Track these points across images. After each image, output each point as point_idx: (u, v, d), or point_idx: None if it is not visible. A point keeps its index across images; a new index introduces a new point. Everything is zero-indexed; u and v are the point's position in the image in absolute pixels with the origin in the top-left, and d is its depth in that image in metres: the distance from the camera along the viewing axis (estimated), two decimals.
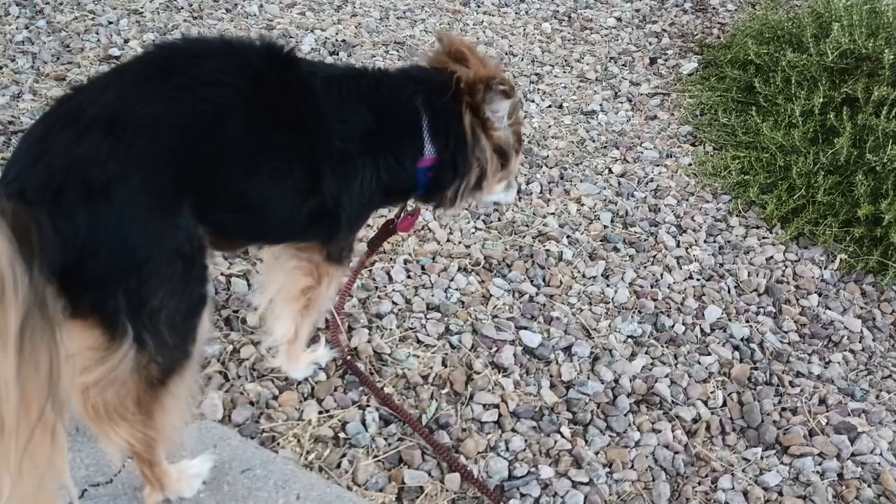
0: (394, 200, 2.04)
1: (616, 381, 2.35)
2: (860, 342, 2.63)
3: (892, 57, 3.21)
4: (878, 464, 2.19)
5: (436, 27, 4.22)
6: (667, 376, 2.38)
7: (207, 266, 1.56)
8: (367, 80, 1.81)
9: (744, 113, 3.62)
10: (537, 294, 2.62)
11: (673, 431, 2.21)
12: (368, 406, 2.13)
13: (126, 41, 3.60)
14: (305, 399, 2.12)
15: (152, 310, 1.40)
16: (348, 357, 2.24)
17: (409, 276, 2.60)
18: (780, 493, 2.08)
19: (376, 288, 2.53)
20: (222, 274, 2.46)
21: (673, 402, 2.31)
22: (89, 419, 1.48)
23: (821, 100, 3.29)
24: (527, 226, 2.93)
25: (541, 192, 3.12)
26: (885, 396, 2.43)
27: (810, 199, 3.09)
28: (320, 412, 2.09)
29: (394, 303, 2.48)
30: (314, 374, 2.19)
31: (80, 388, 1.41)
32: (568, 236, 2.90)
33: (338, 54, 3.81)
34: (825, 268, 2.94)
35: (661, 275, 2.78)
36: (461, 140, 1.89)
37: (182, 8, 3.96)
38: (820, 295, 2.80)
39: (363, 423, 2.08)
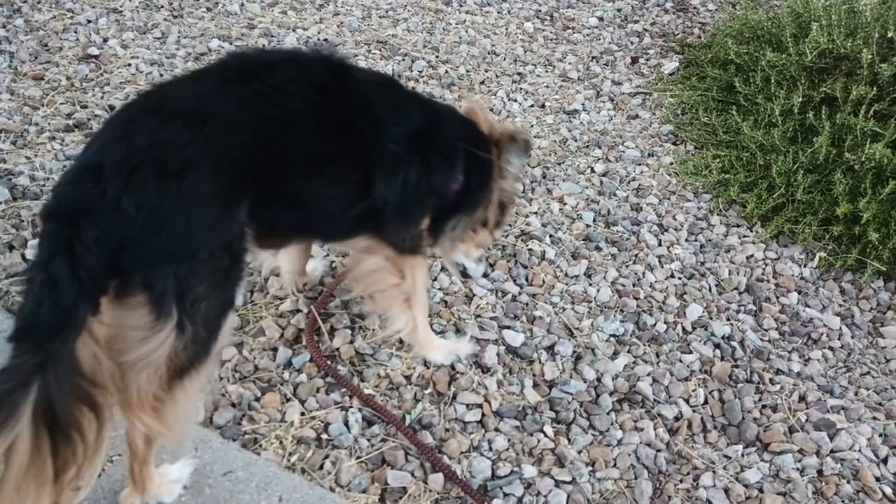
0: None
1: (598, 379, 2.35)
2: (839, 339, 2.66)
3: (870, 57, 3.25)
4: (857, 460, 2.21)
5: (418, 26, 4.22)
6: (649, 375, 2.39)
7: (244, 269, 1.59)
8: (411, 92, 1.98)
9: (724, 112, 3.65)
10: (520, 293, 2.62)
11: (655, 430, 2.23)
12: (351, 407, 2.12)
13: (105, 40, 3.56)
14: (288, 400, 2.11)
15: (195, 298, 1.42)
16: (328, 362, 2.22)
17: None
18: (761, 490, 2.10)
19: None
20: None
21: (655, 400, 2.32)
22: (125, 402, 1.47)
23: (800, 99, 3.32)
24: (510, 225, 2.93)
25: (523, 192, 3.12)
26: (864, 393, 2.46)
27: (790, 197, 3.12)
28: (303, 413, 2.08)
29: None
30: (295, 378, 2.18)
31: (116, 368, 1.40)
32: (551, 235, 2.91)
33: None
34: (805, 266, 2.96)
35: (643, 274, 2.80)
36: (486, 178, 2.09)
37: (162, 6, 3.92)
38: (799, 293, 2.83)
39: (346, 423, 2.07)
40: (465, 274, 2.46)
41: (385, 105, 1.82)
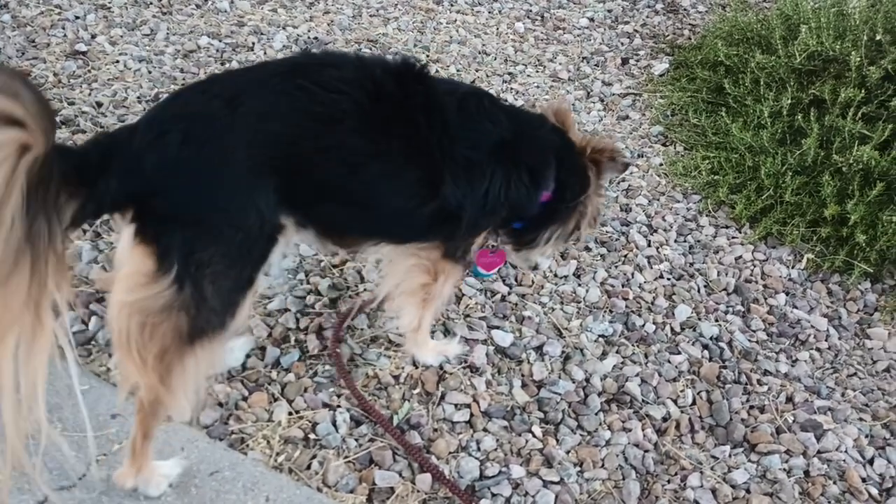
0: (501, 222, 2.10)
1: (587, 380, 2.36)
2: (826, 341, 2.67)
3: (858, 59, 3.27)
4: (844, 461, 2.22)
5: (409, 25, 4.21)
6: (637, 375, 2.39)
7: (269, 257, 1.66)
8: (499, 102, 1.99)
9: (714, 114, 3.66)
10: (509, 293, 2.62)
11: (643, 430, 2.23)
12: (339, 407, 2.12)
13: (93, 36, 3.54)
14: (275, 400, 2.10)
15: (200, 262, 1.49)
16: (336, 350, 2.22)
17: (381, 276, 2.58)
18: (748, 491, 2.11)
19: (347, 288, 2.52)
20: None
21: (643, 400, 2.32)
22: (117, 342, 1.54)
23: (789, 101, 3.34)
24: None
25: None
26: (851, 394, 2.47)
27: (778, 199, 3.13)
28: (290, 413, 2.07)
29: (366, 302, 2.46)
30: (283, 378, 2.17)
31: (120, 306, 1.49)
32: None
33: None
34: (793, 267, 2.98)
35: (633, 274, 2.80)
36: (580, 191, 2.11)
37: (151, 3, 3.90)
38: (787, 294, 2.84)
39: (334, 423, 2.06)
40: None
41: (462, 111, 1.83)
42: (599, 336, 2.52)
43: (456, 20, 4.37)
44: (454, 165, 1.79)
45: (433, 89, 1.81)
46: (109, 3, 3.81)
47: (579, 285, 2.71)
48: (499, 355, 2.39)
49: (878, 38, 3.38)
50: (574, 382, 2.34)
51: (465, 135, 1.81)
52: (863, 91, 3.20)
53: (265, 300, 2.39)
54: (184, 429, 1.97)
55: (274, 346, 2.24)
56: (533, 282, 2.69)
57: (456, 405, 2.20)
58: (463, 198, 1.83)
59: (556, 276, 2.74)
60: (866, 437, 2.32)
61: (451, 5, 4.53)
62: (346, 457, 2.00)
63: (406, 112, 1.74)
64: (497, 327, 2.47)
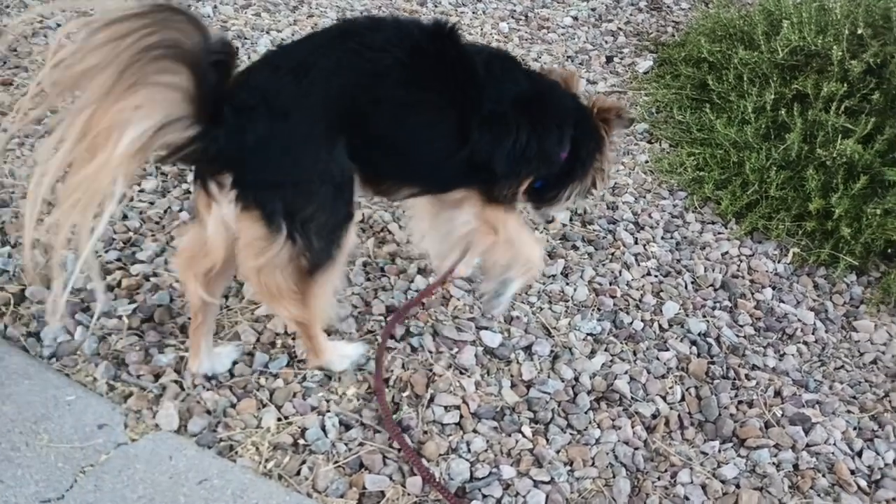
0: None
1: (576, 378, 2.36)
2: (813, 334, 2.69)
3: (840, 53, 3.29)
4: (832, 453, 2.24)
5: None
6: (626, 373, 2.40)
7: (354, 193, 1.90)
8: (521, 65, 2.18)
9: (698, 110, 3.67)
10: None
11: (633, 427, 2.23)
12: (328, 412, 2.11)
13: None
14: (264, 406, 2.09)
15: (304, 218, 1.76)
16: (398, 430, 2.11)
17: (368, 279, 2.58)
18: (738, 486, 2.12)
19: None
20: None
21: (632, 398, 2.33)
22: (263, 297, 1.96)
23: (772, 96, 3.36)
24: None
25: None
26: (838, 387, 2.48)
27: (763, 194, 3.15)
28: (279, 419, 2.06)
29: (353, 306, 2.46)
30: (271, 384, 2.16)
31: (254, 270, 1.81)
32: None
33: None
34: (779, 262, 2.99)
35: (620, 272, 2.81)
36: (595, 149, 2.31)
37: None
38: (774, 288, 2.85)
39: (323, 428, 2.06)
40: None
41: (488, 69, 1.99)
42: (588, 335, 2.53)
43: None
44: (481, 117, 1.96)
45: (463, 48, 1.98)
46: (92, 10, 3.78)
47: (567, 284, 2.71)
48: (488, 356, 2.39)
49: (859, 31, 3.39)
50: (563, 381, 2.34)
51: (491, 91, 1.98)
52: (845, 85, 3.21)
53: (253, 305, 2.39)
54: (171, 437, 1.96)
55: (262, 352, 2.24)
56: None
57: (446, 407, 2.19)
58: (491, 147, 2.00)
59: (543, 275, 2.74)
60: (855, 429, 2.34)
61: (436, 6, 4.53)
62: (335, 462, 1.99)
63: (440, 67, 1.92)
64: (486, 328, 2.47)
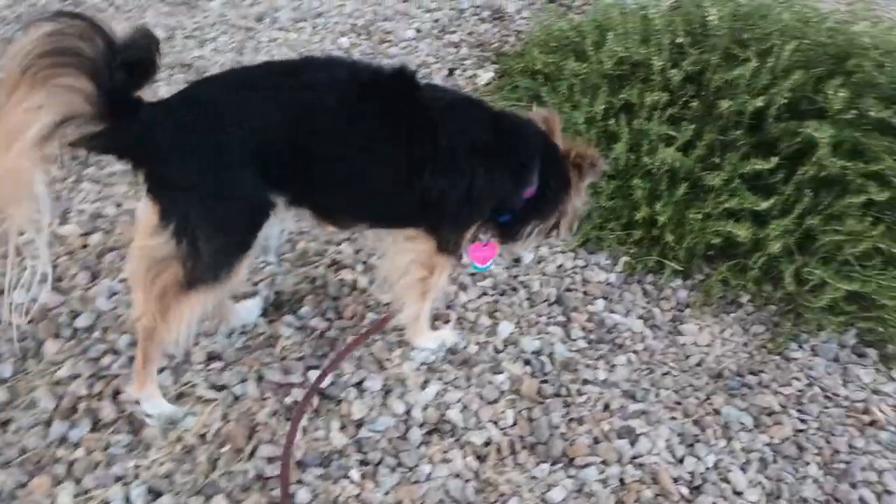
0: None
1: (408, 412, 2.32)
2: (642, 342, 2.75)
3: (661, 63, 3.40)
4: (656, 463, 2.29)
5: (227, 45, 4.04)
6: (459, 401, 2.38)
7: (260, 227, 1.94)
8: (484, 106, 2.23)
9: None
10: (329, 328, 2.55)
11: (464, 458, 2.22)
12: (136, 479, 1.97)
13: None
14: (59, 483, 1.93)
15: (195, 223, 1.80)
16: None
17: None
18: None
19: None
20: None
21: (464, 427, 2.31)
22: (130, 277, 2.08)
23: (602, 107, 3.42)
24: (320, 255, 2.84)
25: None
26: (664, 394, 2.55)
27: (595, 204, 3.21)
28: (77, 495, 1.91)
29: (170, 357, 2.32)
30: (70, 455, 1.99)
31: (137, 249, 1.88)
32: (364, 262, 2.85)
33: None
34: (611, 271, 3.06)
35: (456, 294, 2.79)
36: (561, 190, 2.33)
37: None
38: (606, 299, 2.91)
39: (127, 500, 1.91)
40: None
41: (448, 113, 2.04)
42: (422, 364, 2.49)
43: (278, 38, 4.24)
44: (436, 159, 1.99)
45: (421, 91, 2.05)
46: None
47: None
48: (317, 397, 2.31)
49: (678, 41, 3.53)
50: (395, 417, 2.29)
51: (449, 133, 2.01)
52: (667, 93, 3.33)
53: (53, 367, 2.20)
54: None
55: (62, 420, 2.06)
56: (354, 313, 2.63)
57: (269, 458, 2.10)
58: (444, 190, 2.03)
59: (379, 304, 2.68)
60: (678, 435, 2.40)
61: (273, 23, 4.39)
62: None
63: (393, 110, 1.96)
64: (315, 367, 2.39)
